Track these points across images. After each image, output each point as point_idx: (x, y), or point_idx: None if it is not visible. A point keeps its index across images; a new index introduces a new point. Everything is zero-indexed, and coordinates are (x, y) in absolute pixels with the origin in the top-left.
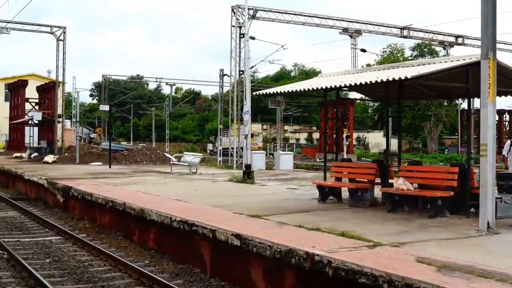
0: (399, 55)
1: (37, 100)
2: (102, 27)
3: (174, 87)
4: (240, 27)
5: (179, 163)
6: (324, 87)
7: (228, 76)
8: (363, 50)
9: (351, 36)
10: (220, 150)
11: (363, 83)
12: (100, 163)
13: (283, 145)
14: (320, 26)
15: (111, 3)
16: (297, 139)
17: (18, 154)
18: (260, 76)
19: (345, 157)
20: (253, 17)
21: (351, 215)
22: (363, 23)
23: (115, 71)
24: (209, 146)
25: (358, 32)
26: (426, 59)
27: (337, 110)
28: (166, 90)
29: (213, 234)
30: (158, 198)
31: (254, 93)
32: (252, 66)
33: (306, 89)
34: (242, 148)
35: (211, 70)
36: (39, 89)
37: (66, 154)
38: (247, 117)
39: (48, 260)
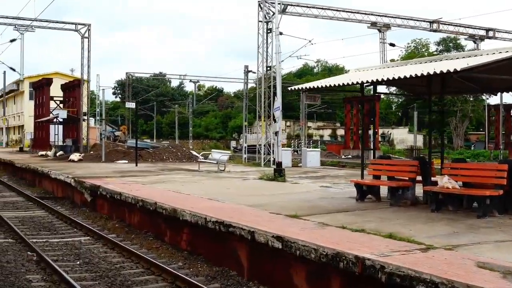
0: (423, 50)
1: (61, 98)
2: (122, 26)
3: (195, 85)
4: (267, 22)
5: (206, 160)
6: (365, 81)
7: (253, 72)
8: (392, 45)
9: (379, 31)
10: (245, 147)
11: (408, 76)
12: (126, 161)
13: (307, 142)
14: (348, 21)
15: (132, 2)
16: (321, 136)
17: (44, 153)
18: (283, 72)
19: (372, 154)
20: (283, 11)
21: (394, 215)
22: (392, 17)
23: (136, 69)
24: (233, 143)
25: (387, 26)
26: (468, 52)
27: (373, 105)
28: (188, 87)
29: (251, 236)
30: (189, 197)
31: (289, 88)
32: (282, 61)
33: (346, 83)
34: (270, 145)
35: (233, 67)
36: (63, 87)
37: (92, 152)
38: (278, 113)
39: (78, 262)
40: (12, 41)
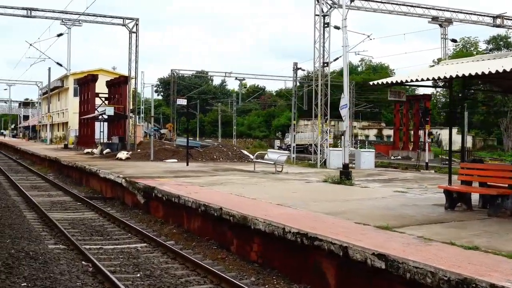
0: (472, 48)
1: (106, 95)
2: (163, 24)
3: (240, 82)
4: (324, 16)
5: (263, 161)
6: (467, 74)
7: (302, 70)
8: (454, 41)
9: (441, 26)
10: (293, 147)
11: None
12: (176, 160)
13: (354, 142)
14: (408, 15)
15: (172, 1)
16: (366, 136)
17: (89, 150)
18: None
19: (426, 155)
20: (351, 1)
21: (501, 228)
22: (454, 12)
23: (172, 68)
24: (277, 143)
25: (449, 21)
26: None
27: (463, 106)
28: (230, 86)
29: (344, 252)
30: (256, 203)
31: (371, 82)
32: (336, 58)
33: (436, 78)
34: (321, 145)
35: (274, 66)
36: (108, 83)
37: (139, 150)
38: (345, 111)
39: (138, 275)
40: (59, 35)
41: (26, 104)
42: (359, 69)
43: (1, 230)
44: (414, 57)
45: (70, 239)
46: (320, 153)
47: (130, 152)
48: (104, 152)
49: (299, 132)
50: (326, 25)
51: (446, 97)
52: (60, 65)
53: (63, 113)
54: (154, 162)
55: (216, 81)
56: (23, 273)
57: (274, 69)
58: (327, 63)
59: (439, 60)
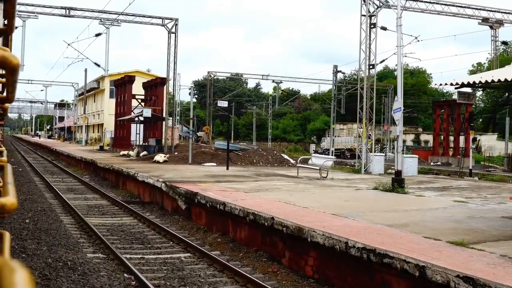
0: None
1: (142, 97)
2: (196, 26)
3: (277, 85)
4: (370, 17)
5: (306, 166)
6: None
7: (343, 73)
8: (505, 43)
9: (491, 27)
10: (332, 151)
11: None
12: (215, 164)
13: (392, 147)
14: (457, 16)
15: (207, 3)
16: (404, 141)
17: (125, 152)
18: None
19: (470, 161)
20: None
21: None
22: (505, 13)
23: (211, 70)
24: (312, 147)
25: (500, 23)
26: None
27: None
28: (265, 89)
29: (420, 272)
30: (308, 212)
31: (434, 83)
32: (383, 60)
33: None
34: (369, 150)
35: (308, 69)
36: (145, 85)
37: (176, 153)
38: (398, 115)
39: None
40: (97, 35)
41: (61, 105)
42: (395, 73)
43: (38, 236)
44: (449, 63)
45: (109, 248)
46: (361, 158)
47: (168, 155)
48: (141, 154)
49: (335, 136)
50: (373, 25)
51: (485, 102)
52: (98, 65)
53: (99, 114)
54: (193, 165)
55: (250, 84)
56: (61, 286)
57: (307, 72)
58: (373, 65)
59: (479, 64)
